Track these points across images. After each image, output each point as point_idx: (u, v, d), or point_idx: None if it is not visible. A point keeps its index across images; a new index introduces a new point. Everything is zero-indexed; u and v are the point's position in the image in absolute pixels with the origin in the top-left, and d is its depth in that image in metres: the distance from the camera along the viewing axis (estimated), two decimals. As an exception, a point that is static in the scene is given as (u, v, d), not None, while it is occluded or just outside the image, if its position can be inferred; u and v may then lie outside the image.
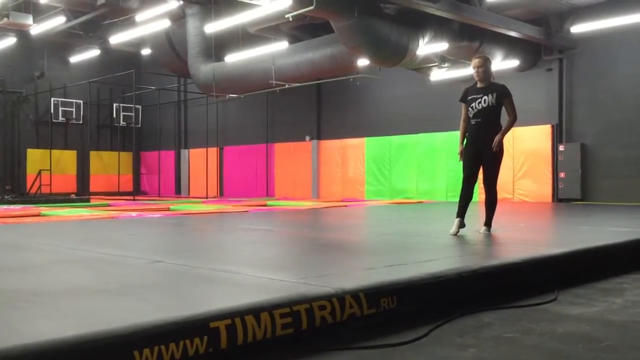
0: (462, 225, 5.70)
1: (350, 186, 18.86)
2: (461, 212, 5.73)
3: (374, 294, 2.94)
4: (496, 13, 12.54)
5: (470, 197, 5.76)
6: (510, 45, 14.18)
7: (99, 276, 3.50)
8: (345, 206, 13.14)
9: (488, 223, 5.80)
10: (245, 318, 2.43)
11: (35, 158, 22.61)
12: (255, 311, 2.49)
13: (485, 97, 5.64)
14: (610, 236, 5.52)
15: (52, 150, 22.53)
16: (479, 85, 5.80)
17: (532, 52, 14.80)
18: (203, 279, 3.39)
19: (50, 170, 21.67)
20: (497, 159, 5.72)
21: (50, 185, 21.37)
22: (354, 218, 9.14)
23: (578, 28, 13.24)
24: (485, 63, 5.76)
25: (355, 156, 18.77)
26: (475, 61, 5.79)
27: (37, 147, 22.95)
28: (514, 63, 14.60)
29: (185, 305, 2.60)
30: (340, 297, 2.79)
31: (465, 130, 5.83)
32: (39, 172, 21.17)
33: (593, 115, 14.20)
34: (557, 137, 14.69)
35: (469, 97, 5.77)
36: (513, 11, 13.17)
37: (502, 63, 14.55)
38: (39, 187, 21.05)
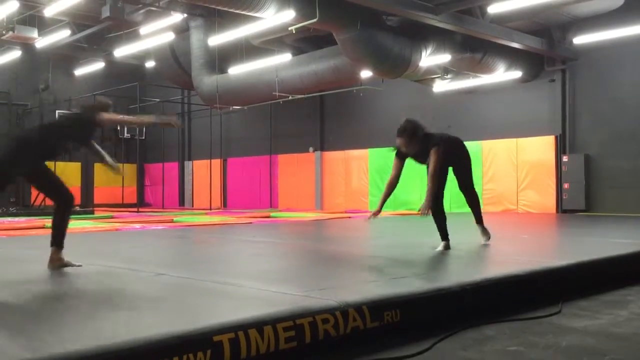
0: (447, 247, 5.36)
1: (353, 197, 18.85)
2: (445, 234, 5.45)
3: (378, 307, 2.94)
4: (498, 24, 12.58)
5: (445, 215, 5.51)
6: (513, 57, 14.22)
7: (102, 289, 3.50)
8: (349, 217, 13.13)
9: (479, 221, 5.84)
10: (249, 331, 2.43)
11: (39, 170, 22.69)
12: (259, 325, 2.49)
13: (425, 163, 5.39)
14: (614, 248, 5.50)
15: (57, 162, 22.57)
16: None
17: (534, 63, 14.83)
18: (206, 291, 3.39)
19: (55, 182, 21.70)
20: (468, 166, 5.71)
21: (55, 197, 21.40)
22: (358, 230, 9.12)
23: (580, 39, 13.27)
24: (409, 139, 5.26)
25: (359, 167, 18.78)
26: (399, 141, 5.31)
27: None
28: (516, 74, 14.62)
29: (188, 319, 2.61)
30: (343, 311, 2.79)
31: (389, 194, 5.31)
32: (44, 184, 21.23)
33: (597, 125, 14.19)
34: (561, 147, 14.68)
35: (408, 157, 5.44)
36: (515, 23, 13.21)
37: (504, 74, 14.58)
38: (44, 200, 21.06)
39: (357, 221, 11.58)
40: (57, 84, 23.20)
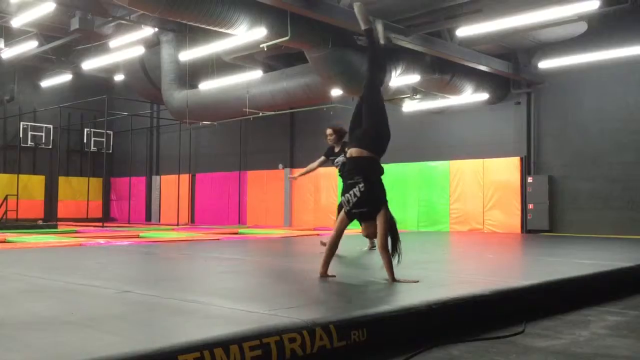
0: None
1: (322, 215, 18.86)
2: None
3: (345, 326, 2.94)
4: (466, 47, 12.84)
5: None
6: (480, 79, 14.51)
7: (65, 307, 3.43)
8: (318, 234, 13.11)
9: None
10: (215, 351, 2.41)
11: (1, 183, 22.15)
12: (225, 343, 2.47)
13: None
14: (576, 268, 5.62)
15: (20, 175, 22.11)
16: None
17: (501, 86, 15.16)
18: (172, 310, 3.35)
19: (17, 195, 21.24)
20: None
21: (17, 210, 20.91)
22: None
23: (545, 64, 13.63)
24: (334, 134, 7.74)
25: (328, 185, 18.82)
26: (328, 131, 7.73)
27: (4, 172, 22.50)
28: (483, 96, 14.92)
29: (153, 338, 2.57)
30: (310, 330, 2.79)
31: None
32: (6, 197, 20.73)
33: (560, 148, 14.54)
34: (526, 169, 14.98)
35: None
36: (483, 46, 13.51)
37: (472, 96, 14.86)
38: (5, 213, 20.58)
39: (326, 239, 11.57)
40: (23, 95, 22.78)
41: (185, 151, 21.48)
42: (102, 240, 10.02)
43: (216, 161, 22.01)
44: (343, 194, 4.74)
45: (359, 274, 5.28)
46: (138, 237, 11.71)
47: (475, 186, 15.66)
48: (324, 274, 4.78)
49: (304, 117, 19.02)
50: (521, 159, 15.05)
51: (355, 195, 4.60)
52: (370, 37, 5.24)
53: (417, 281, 4.56)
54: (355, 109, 5.02)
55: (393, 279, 4.54)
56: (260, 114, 16.17)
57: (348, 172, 4.72)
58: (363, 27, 5.21)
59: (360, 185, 4.59)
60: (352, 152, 4.75)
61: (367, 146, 4.70)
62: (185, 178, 22.04)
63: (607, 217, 13.58)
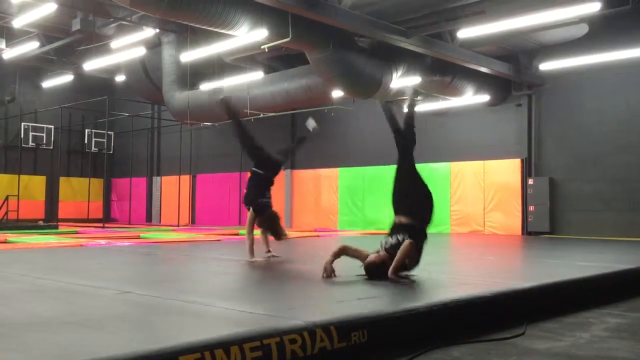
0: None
1: (323, 216, 18.86)
2: None
3: (345, 328, 2.94)
4: (467, 49, 12.84)
5: None
6: (481, 81, 14.51)
7: (65, 307, 3.43)
8: (318, 236, 13.12)
9: None
10: (215, 352, 2.41)
11: (2, 183, 22.16)
12: (225, 345, 2.47)
13: None
14: (577, 270, 5.61)
15: (21, 176, 22.12)
16: None
17: (502, 88, 15.14)
18: (172, 310, 3.35)
19: (18, 196, 21.23)
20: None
21: (18, 211, 20.91)
22: (326, 249, 9.10)
23: (546, 65, 13.62)
24: None
25: (329, 186, 18.83)
26: None
27: (5, 172, 22.51)
28: (484, 98, 14.91)
29: (153, 339, 2.57)
30: (311, 331, 2.79)
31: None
32: (6, 198, 20.74)
33: (561, 150, 14.53)
34: (527, 170, 14.96)
35: None
36: (484, 48, 13.50)
37: (473, 98, 14.85)
38: (6, 213, 20.57)
39: (326, 240, 11.59)
40: (24, 95, 22.79)
41: (186, 152, 21.49)
42: (102, 241, 10.02)
43: (217, 162, 22.00)
44: (389, 235, 5.21)
45: (360, 276, 5.27)
46: (138, 237, 11.71)
47: (476, 188, 15.65)
48: (331, 263, 5.08)
49: (305, 119, 19.00)
50: (522, 161, 15.04)
51: (397, 240, 5.04)
52: (410, 127, 5.56)
53: (413, 281, 4.72)
54: (395, 174, 5.51)
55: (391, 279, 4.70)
56: (262, 115, 16.17)
57: (397, 230, 5.22)
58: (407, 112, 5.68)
59: (406, 237, 4.99)
60: (401, 219, 5.27)
61: (414, 217, 5.30)
62: (186, 179, 22.04)
63: (608, 219, 13.56)
